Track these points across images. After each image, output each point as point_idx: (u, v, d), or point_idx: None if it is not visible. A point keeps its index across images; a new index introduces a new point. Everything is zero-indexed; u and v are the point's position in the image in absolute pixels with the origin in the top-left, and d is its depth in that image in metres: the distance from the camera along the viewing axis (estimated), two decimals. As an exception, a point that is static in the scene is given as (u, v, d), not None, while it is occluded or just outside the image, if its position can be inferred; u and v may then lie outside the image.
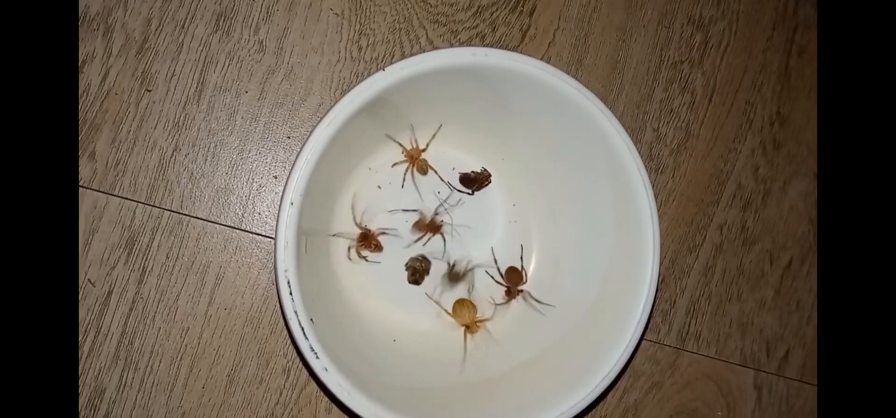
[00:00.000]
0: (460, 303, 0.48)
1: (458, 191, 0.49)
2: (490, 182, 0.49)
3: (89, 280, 0.46)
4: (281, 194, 0.39)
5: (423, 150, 0.48)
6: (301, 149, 0.39)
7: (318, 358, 0.38)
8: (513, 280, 0.49)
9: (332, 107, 0.39)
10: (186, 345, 0.47)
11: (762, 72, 0.56)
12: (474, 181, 0.49)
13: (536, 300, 0.48)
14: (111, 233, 0.46)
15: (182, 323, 0.47)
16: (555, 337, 0.47)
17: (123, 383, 0.46)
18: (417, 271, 0.48)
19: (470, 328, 0.48)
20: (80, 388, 0.45)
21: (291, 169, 0.39)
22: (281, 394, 0.48)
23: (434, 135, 0.48)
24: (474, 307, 0.48)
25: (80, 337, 0.46)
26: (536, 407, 0.42)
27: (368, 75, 0.40)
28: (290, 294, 0.38)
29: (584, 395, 0.42)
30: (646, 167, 0.41)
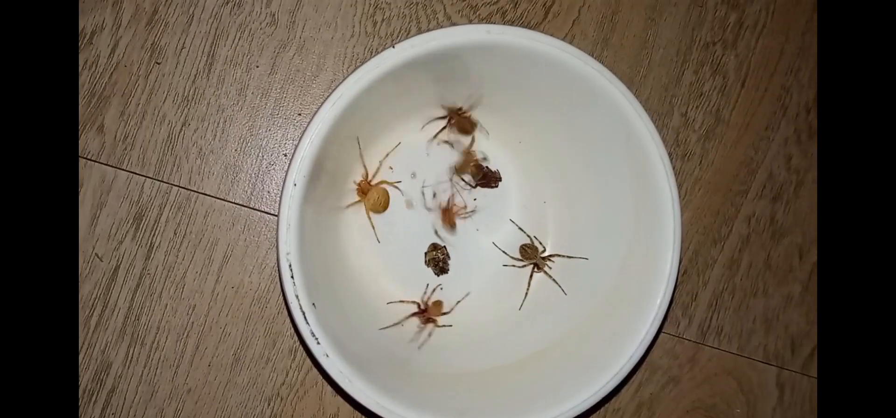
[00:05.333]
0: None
1: (462, 180, 0.47)
2: (496, 185, 0.48)
3: (96, 254, 0.45)
4: (285, 174, 0.38)
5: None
6: (306, 128, 0.38)
7: (318, 343, 0.37)
8: (528, 256, 0.47)
9: (338, 84, 0.38)
10: (193, 322, 0.46)
11: (800, 55, 0.53)
12: (481, 178, 0.47)
13: (568, 256, 0.47)
14: (119, 207, 0.46)
15: (189, 300, 0.46)
16: (568, 327, 0.45)
17: (130, 358, 0.46)
18: (438, 261, 0.47)
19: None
20: (86, 362, 0.45)
21: (295, 148, 0.38)
22: (287, 375, 0.47)
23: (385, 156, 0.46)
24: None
25: (86, 312, 0.45)
26: (548, 398, 0.41)
27: (382, 51, 0.39)
28: (292, 277, 0.37)
29: (598, 388, 0.41)
30: (672, 154, 0.39)
